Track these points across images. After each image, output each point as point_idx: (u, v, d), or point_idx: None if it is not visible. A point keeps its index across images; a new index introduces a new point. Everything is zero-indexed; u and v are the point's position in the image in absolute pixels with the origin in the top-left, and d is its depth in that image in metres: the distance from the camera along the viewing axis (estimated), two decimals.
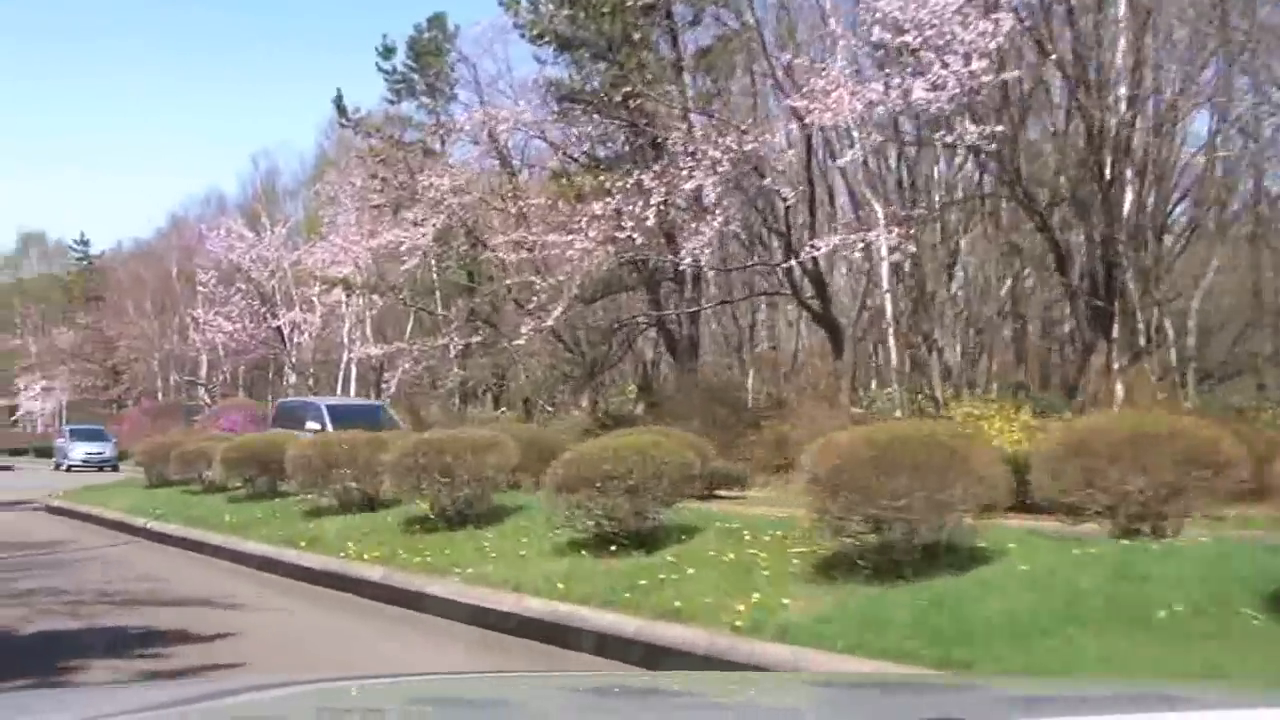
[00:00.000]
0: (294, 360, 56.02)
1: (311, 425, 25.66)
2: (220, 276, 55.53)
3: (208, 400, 68.11)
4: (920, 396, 29.33)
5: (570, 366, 39.32)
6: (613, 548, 11.68)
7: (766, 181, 28.66)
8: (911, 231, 27.32)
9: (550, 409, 41.32)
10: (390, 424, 26.87)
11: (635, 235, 29.13)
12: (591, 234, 29.71)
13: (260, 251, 54.22)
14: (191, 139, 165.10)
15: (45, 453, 71.78)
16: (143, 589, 13.79)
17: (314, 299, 53.56)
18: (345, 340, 54.25)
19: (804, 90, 27.42)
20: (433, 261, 43.02)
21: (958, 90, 24.41)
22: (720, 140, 27.73)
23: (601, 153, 35.71)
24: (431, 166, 39.52)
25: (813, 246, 28.22)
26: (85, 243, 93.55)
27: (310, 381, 56.49)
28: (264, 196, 65.81)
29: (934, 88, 24.54)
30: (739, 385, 37.80)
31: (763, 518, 13.04)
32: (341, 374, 56.25)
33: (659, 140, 34.23)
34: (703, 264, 31.40)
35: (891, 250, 26.93)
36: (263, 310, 54.33)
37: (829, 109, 26.20)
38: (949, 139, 26.32)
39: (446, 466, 14.09)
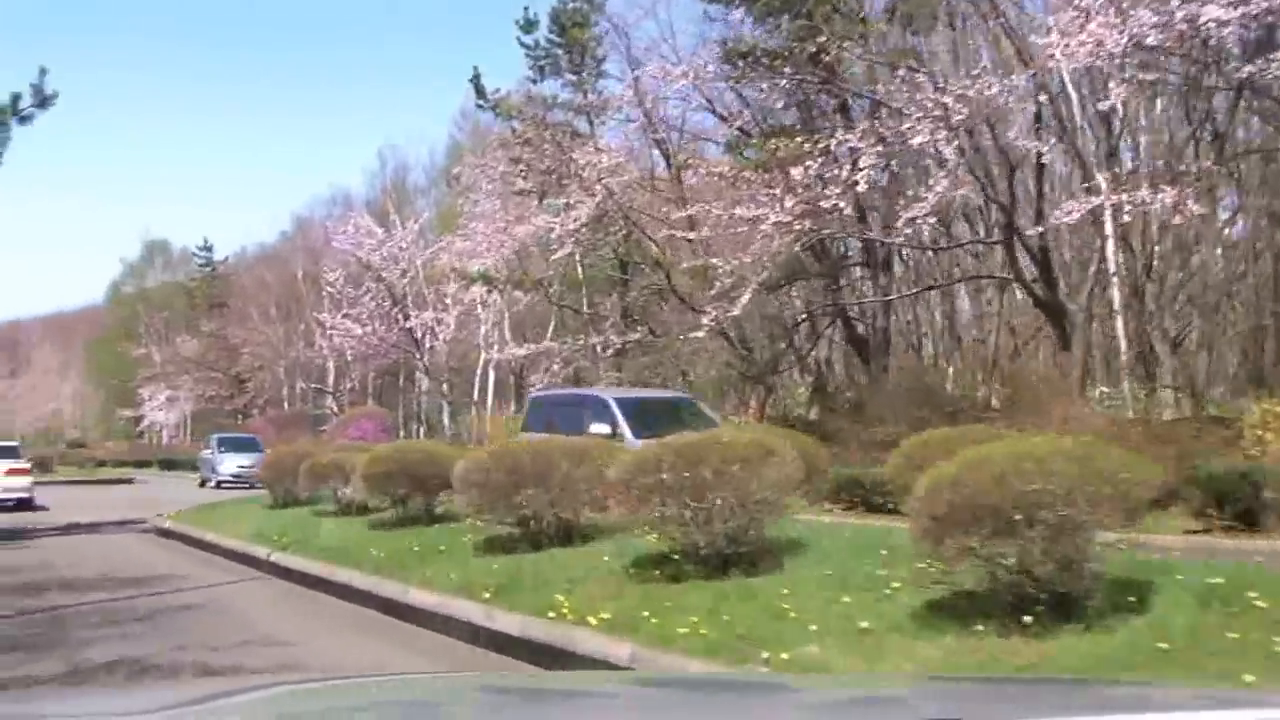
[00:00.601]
0: (427, 364, 52.05)
1: (597, 428, 18.46)
2: (348, 277, 51.82)
3: (335, 409, 64.58)
4: (1157, 394, 24.62)
5: (744, 365, 34.78)
6: (1026, 618, 7.03)
7: (1012, 136, 23.79)
8: (1186, 193, 22.24)
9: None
10: (702, 421, 18.62)
11: (841, 204, 24.45)
12: (788, 205, 25.02)
13: (390, 249, 50.38)
14: (316, 139, 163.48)
15: (171, 465, 68.81)
16: (261, 665, 9.39)
17: (449, 298, 49.66)
18: (483, 342, 50.26)
19: (1044, 28, 22.76)
20: (577, 256, 38.89)
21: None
22: (950, 87, 22.97)
23: (786, 118, 31.03)
24: (580, 148, 35.24)
25: (1048, 215, 23.45)
26: (209, 248, 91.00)
27: (444, 387, 52.55)
28: (393, 193, 62.07)
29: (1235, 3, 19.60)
30: (938, 384, 32.83)
31: None
32: (478, 378, 52.26)
33: (848, 102, 29.68)
34: (925, 235, 26.64)
35: (1163, 214, 22.00)
36: (394, 311, 50.49)
37: (1078, 47, 21.39)
38: (1244, 73, 21.20)
39: (702, 485, 9.53)
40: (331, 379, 66.77)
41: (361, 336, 50.90)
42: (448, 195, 57.29)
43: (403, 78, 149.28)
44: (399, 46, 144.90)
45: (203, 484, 44.14)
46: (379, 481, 15.83)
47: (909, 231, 25.17)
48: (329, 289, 52.19)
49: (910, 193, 24.89)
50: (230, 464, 42.94)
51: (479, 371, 52.32)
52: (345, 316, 51.57)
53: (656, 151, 36.81)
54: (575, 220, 33.88)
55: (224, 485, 40.44)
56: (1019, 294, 30.27)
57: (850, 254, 33.47)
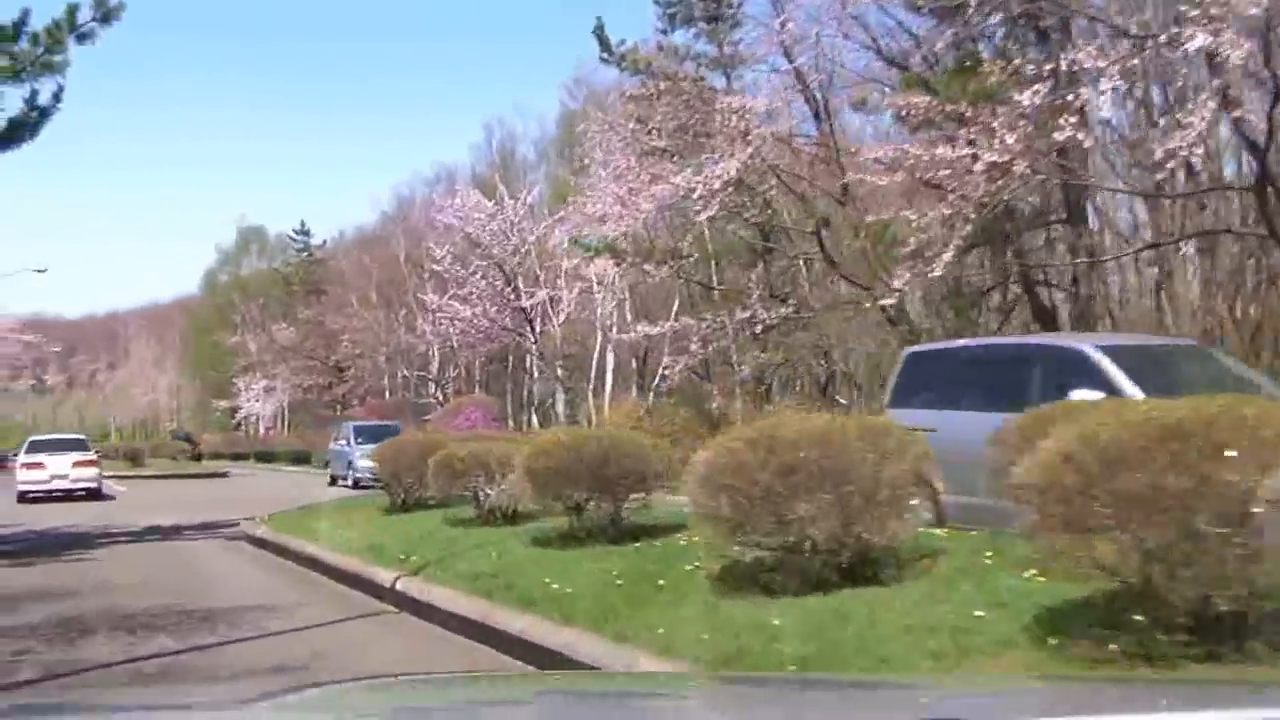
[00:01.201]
0: (540, 348, 47.92)
1: (1082, 394, 9.96)
2: (455, 256, 47.70)
3: (440, 398, 60.66)
4: None
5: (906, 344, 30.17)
6: None
7: None
8: None
9: (841, 401, 32.84)
10: (1232, 379, 11.13)
11: (1080, 135, 19.74)
12: (1009, 141, 20.33)
13: (501, 223, 46.21)
14: (417, 118, 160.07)
15: (268, 457, 65.39)
16: None
17: (565, 274, 45.54)
18: (599, 322, 46.13)
19: None
20: (706, 230, 34.61)
21: None
22: None
23: (980, 48, 26.32)
24: (722, 99, 30.84)
25: None
26: (305, 232, 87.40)
27: (559, 372, 48.40)
28: (501, 167, 57.86)
29: None
30: None
31: None
32: (595, 362, 48.06)
33: (1067, 21, 24.99)
34: (1195, 166, 21.94)
35: None
36: (506, 291, 46.35)
37: None
38: None
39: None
40: (436, 366, 62.83)
41: (470, 319, 46.79)
42: (560, 168, 53.22)
43: (508, 50, 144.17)
44: (504, 14, 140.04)
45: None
46: (547, 480, 11.47)
47: (1156, 174, 20.37)
48: (436, 267, 48.08)
49: (1161, 123, 20.17)
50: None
51: (595, 355, 48.13)
52: (453, 298, 47.51)
53: (805, 105, 32.31)
54: (720, 177, 29.50)
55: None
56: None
57: (1046, 207, 28.75)
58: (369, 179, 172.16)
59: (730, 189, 30.52)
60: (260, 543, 17.66)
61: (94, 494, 33.70)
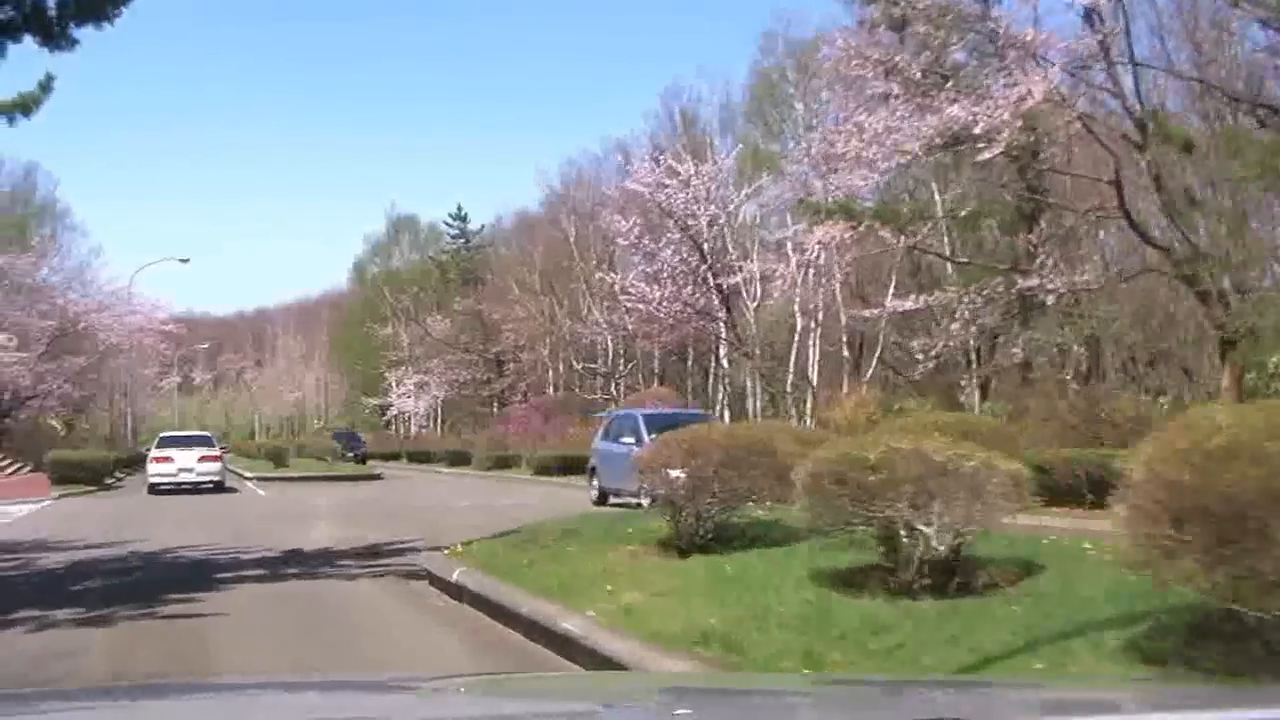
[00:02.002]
0: (738, 333, 41.45)
1: None
2: (644, 227, 41.46)
3: (613, 393, 54.49)
4: None
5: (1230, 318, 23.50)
6: None
7: None
8: None
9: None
10: None
11: None
12: None
13: (696, 191, 39.84)
14: (576, 97, 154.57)
15: (423, 458, 59.80)
16: None
17: (762, 249, 39.21)
18: (810, 302, 39.70)
19: None
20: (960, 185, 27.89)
21: None
22: None
23: None
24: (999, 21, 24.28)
25: None
26: (462, 218, 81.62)
27: (756, 360, 41.99)
28: (683, 134, 51.21)
29: None
30: None
31: None
32: (795, 350, 41.60)
33: None
34: None
35: None
36: (702, 269, 39.98)
37: None
38: None
39: None
40: (609, 358, 56.64)
41: (659, 301, 40.41)
42: (755, 131, 46.61)
43: (682, 17, 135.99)
44: None
45: (603, 499, 24.99)
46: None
47: None
48: (622, 241, 41.89)
49: None
50: None
51: (796, 340, 41.65)
52: (640, 277, 41.29)
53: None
54: (1016, 102, 23.02)
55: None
56: None
57: None
58: (526, 162, 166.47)
59: (1018, 125, 24.08)
60: (459, 592, 11.18)
61: (218, 486, 34.95)
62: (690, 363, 55.27)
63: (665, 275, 40.26)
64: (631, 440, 23.41)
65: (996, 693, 3.35)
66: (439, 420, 76.44)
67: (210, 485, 34.43)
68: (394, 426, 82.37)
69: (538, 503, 25.86)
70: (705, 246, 40.21)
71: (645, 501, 15.21)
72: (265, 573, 14.09)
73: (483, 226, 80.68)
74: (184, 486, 33.75)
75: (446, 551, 13.19)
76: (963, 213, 28.70)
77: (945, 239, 35.11)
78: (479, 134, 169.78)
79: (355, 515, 24.07)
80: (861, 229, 29.98)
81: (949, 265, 34.62)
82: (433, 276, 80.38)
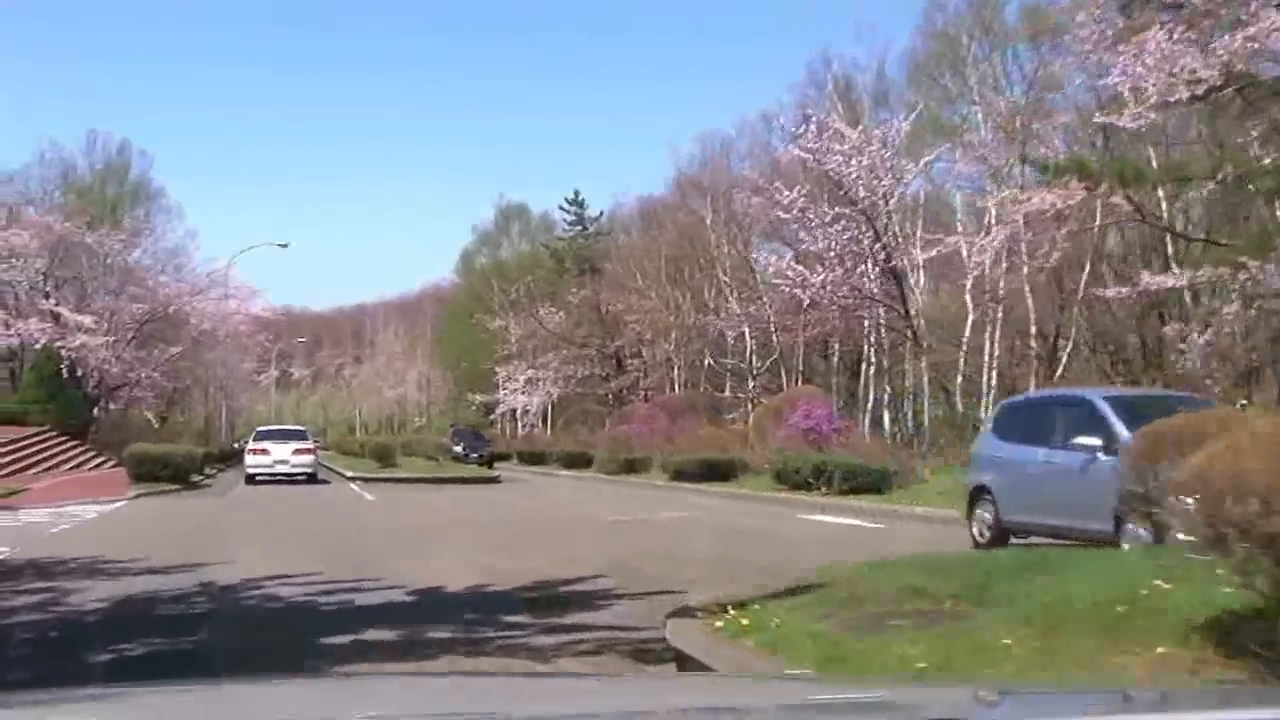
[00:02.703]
0: (915, 323, 36.03)
1: None
2: (806, 200, 36.12)
3: (750, 391, 49.09)
4: None
5: None
6: None
7: None
8: None
9: None
10: None
11: None
12: None
13: (870, 158, 34.51)
14: (711, 73, 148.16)
15: (536, 458, 54.84)
16: None
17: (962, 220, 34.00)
18: (990, 288, 34.38)
19: None
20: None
21: None
22: None
23: None
24: None
25: None
26: (579, 203, 76.06)
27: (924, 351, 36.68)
28: (837, 103, 45.46)
29: None
30: None
31: None
32: (989, 345, 36.18)
33: None
34: None
35: None
36: (875, 248, 34.61)
37: None
38: None
39: None
40: (746, 352, 51.21)
41: (821, 285, 35.08)
42: (927, 96, 40.99)
43: None
44: None
45: (1002, 537, 15.22)
46: None
47: None
48: (784, 215, 36.50)
49: None
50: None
51: (991, 330, 36.16)
52: (801, 256, 36.17)
53: None
54: None
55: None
56: None
57: None
58: (645, 146, 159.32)
59: None
60: None
61: (311, 478, 36.07)
62: (836, 359, 49.74)
63: (832, 255, 34.94)
64: (1092, 441, 13.96)
65: (997, 694, 3.13)
66: (549, 419, 71.52)
67: (304, 477, 35.68)
68: (500, 425, 77.56)
69: (710, 518, 20.96)
70: (878, 223, 34.92)
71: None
72: (397, 637, 8.98)
73: (601, 213, 75.33)
74: (279, 477, 35.27)
75: (702, 616, 7.99)
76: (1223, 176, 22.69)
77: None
78: (594, 117, 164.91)
79: (494, 532, 19.09)
80: (1086, 194, 24.60)
81: (1188, 243, 29.08)
82: (545, 266, 75.23)
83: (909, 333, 36.57)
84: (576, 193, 76.20)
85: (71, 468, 38.85)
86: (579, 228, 75.29)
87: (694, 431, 46.72)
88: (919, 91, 42.03)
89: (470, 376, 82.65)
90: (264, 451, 36.38)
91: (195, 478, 34.94)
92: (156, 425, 64.68)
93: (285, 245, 59.73)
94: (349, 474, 38.93)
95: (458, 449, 50.70)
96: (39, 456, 38.40)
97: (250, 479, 35.38)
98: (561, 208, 76.63)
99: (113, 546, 16.41)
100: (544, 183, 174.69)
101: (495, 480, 38.56)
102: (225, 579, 12.51)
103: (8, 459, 35.62)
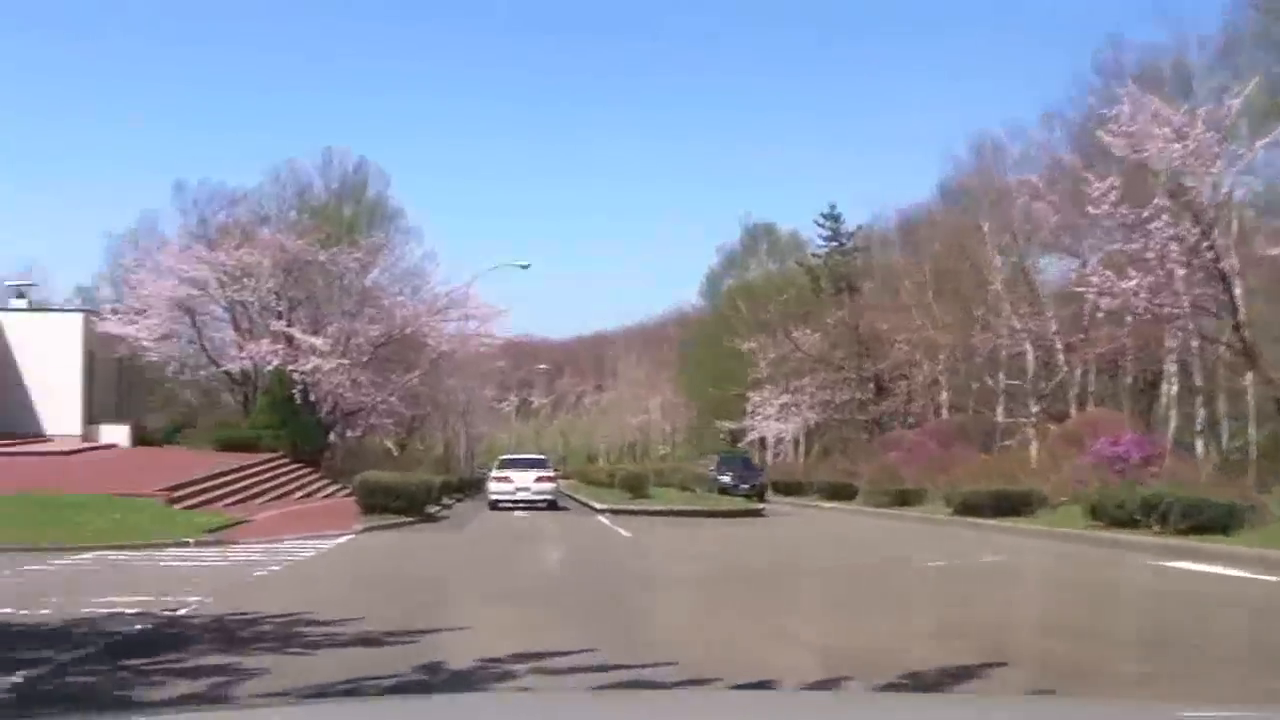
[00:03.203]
0: (1244, 339, 30.82)
1: None
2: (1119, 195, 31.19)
3: (1032, 417, 44.04)
4: None
5: None
6: None
7: None
8: None
9: None
10: None
11: None
12: None
13: (1196, 147, 29.45)
14: (965, 79, 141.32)
15: (788, 489, 50.81)
16: None
17: None
18: None
19: None
20: None
21: None
22: None
23: None
24: None
25: None
26: (834, 217, 71.24)
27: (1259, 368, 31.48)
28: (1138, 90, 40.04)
29: None
30: None
31: None
32: None
33: None
34: None
35: None
36: (1203, 246, 29.57)
37: None
38: None
39: None
40: (1029, 373, 46.12)
41: (1133, 292, 30.14)
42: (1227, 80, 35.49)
43: None
44: None
45: None
46: None
47: None
48: (1093, 210, 31.55)
49: None
50: None
51: None
52: (1107, 263, 31.23)
53: None
54: None
55: None
56: None
57: None
58: (904, 158, 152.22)
59: None
60: None
61: (551, 505, 36.54)
62: (1131, 379, 44.40)
63: (1150, 258, 30.00)
64: None
65: (997, 706, 3.29)
66: (800, 447, 67.26)
67: (544, 504, 36.22)
68: (750, 453, 73.58)
69: (1045, 564, 16.81)
70: (1204, 219, 29.84)
71: None
72: None
73: (858, 227, 70.48)
74: (520, 504, 36.02)
75: None
76: None
77: None
78: (844, 129, 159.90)
79: (793, 583, 15.27)
80: None
81: None
82: (798, 286, 70.91)
83: (1238, 344, 31.31)
84: (832, 207, 71.71)
85: (302, 497, 36.32)
86: (834, 244, 70.72)
87: (965, 460, 42.47)
88: (1246, 69, 36.66)
89: (716, 403, 79.10)
90: (507, 479, 37.34)
91: (431, 509, 31.84)
92: (396, 453, 62.74)
93: (526, 266, 57.26)
94: (598, 505, 35.43)
95: (725, 479, 46.09)
96: (268, 484, 35.96)
97: (494, 505, 36.44)
98: (817, 223, 72.09)
99: (323, 598, 13.11)
100: (791, 202, 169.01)
101: (758, 514, 34.56)
102: (458, 658, 8.81)
103: (236, 487, 33.19)
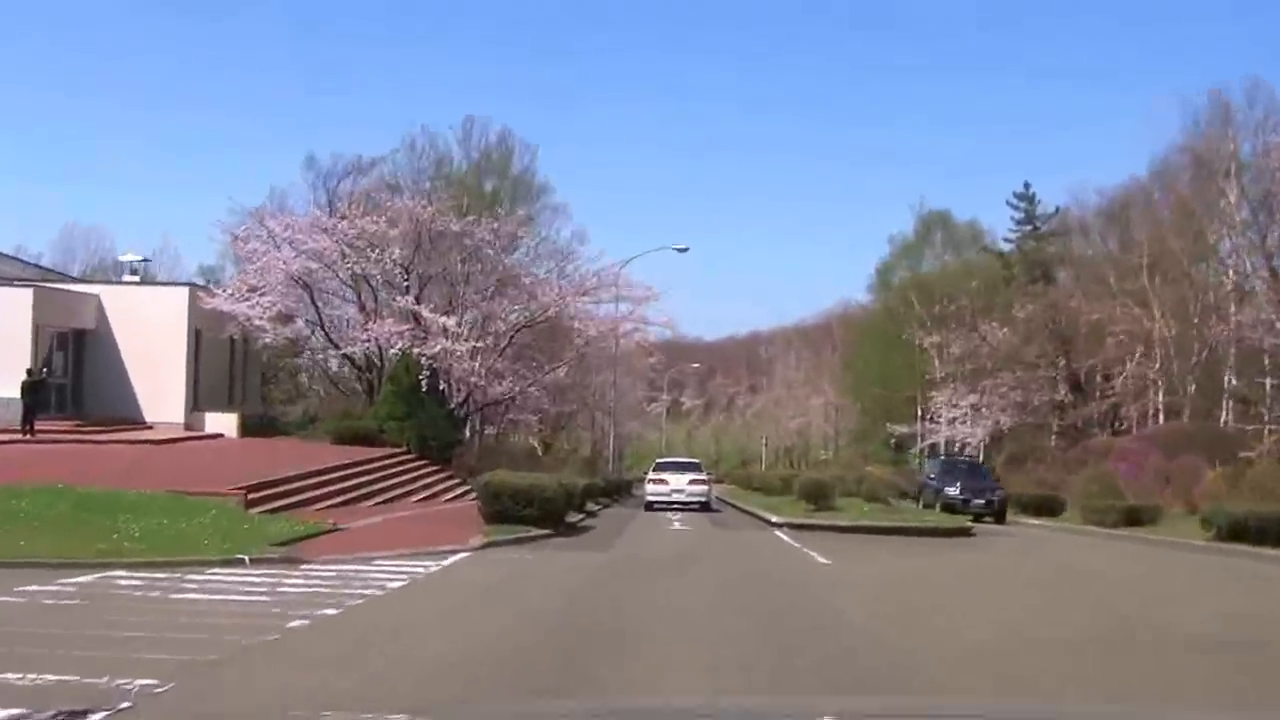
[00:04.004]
0: None
1: None
2: None
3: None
4: None
5: None
6: None
7: None
8: None
9: None
10: None
11: None
12: None
13: None
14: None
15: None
16: None
17: None
18: None
19: None
20: None
21: None
22: None
23: None
24: None
25: None
26: (1029, 197, 63.95)
27: None
28: None
29: None
30: None
31: None
32: None
33: None
34: None
35: None
36: None
37: None
38: None
39: None
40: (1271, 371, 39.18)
41: None
42: None
43: None
44: None
45: None
46: None
47: None
48: None
49: None
50: None
51: None
52: None
53: None
54: None
55: None
56: None
57: None
58: (1102, 129, 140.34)
59: None
60: None
61: (704, 507, 37.10)
62: None
63: None
64: None
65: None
66: (983, 450, 60.16)
67: (697, 505, 36.68)
68: (914, 460, 66.82)
69: None
70: None
71: None
72: None
73: (1056, 209, 63.27)
74: (674, 504, 36.21)
75: None
76: None
77: None
78: (1030, 104, 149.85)
79: (1136, 664, 9.16)
80: None
81: None
82: (981, 277, 63.65)
83: None
84: (1026, 185, 64.29)
85: (424, 499, 31.02)
86: (1028, 227, 63.38)
87: (1196, 472, 36.20)
88: None
89: (884, 405, 72.63)
90: (663, 481, 37.98)
91: (572, 517, 26.21)
92: (541, 452, 57.63)
93: (685, 249, 52.12)
94: (774, 519, 29.16)
95: (951, 491, 36.36)
96: (385, 483, 30.71)
97: (649, 505, 36.86)
98: (1009, 203, 64.65)
99: (384, 672, 7.62)
100: (968, 189, 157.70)
101: (967, 533, 28.07)
102: None
103: (342, 486, 28.02)
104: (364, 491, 28.62)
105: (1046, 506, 38.71)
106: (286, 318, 40.01)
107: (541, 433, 59.37)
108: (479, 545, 19.29)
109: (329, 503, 25.54)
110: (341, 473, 29.40)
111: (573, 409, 57.64)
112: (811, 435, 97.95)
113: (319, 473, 27.96)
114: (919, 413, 65.16)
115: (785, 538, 24.47)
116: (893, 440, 67.66)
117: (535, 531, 21.81)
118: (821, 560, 19.18)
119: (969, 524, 29.49)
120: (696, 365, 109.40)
